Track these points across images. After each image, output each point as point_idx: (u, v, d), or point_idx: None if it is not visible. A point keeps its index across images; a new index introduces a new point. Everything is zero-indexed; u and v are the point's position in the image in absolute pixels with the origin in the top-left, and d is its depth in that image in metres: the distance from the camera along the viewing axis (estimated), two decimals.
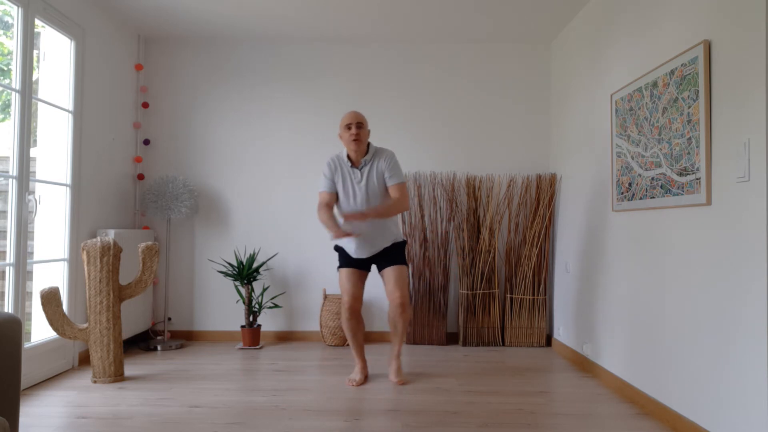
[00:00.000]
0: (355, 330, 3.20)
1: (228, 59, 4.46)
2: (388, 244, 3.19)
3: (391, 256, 3.19)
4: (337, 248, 3.28)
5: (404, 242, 3.28)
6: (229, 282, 4.40)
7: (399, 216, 4.20)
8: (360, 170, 3.10)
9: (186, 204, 4.06)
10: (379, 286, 4.29)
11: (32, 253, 3.48)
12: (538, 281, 4.18)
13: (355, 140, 3.04)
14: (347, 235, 2.91)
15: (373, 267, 3.32)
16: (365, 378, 3.22)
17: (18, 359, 1.72)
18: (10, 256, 2.95)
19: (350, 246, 3.16)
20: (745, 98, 2.04)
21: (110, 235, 3.68)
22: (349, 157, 3.12)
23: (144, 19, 4.03)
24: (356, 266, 3.19)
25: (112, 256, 3.16)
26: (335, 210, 3.21)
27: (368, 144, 3.15)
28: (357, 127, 3.05)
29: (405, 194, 3.10)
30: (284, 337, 4.40)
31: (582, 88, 3.71)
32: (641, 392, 2.77)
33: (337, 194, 3.17)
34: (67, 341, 3.43)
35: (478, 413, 2.66)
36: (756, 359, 1.97)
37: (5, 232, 3.01)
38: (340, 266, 3.24)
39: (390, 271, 3.15)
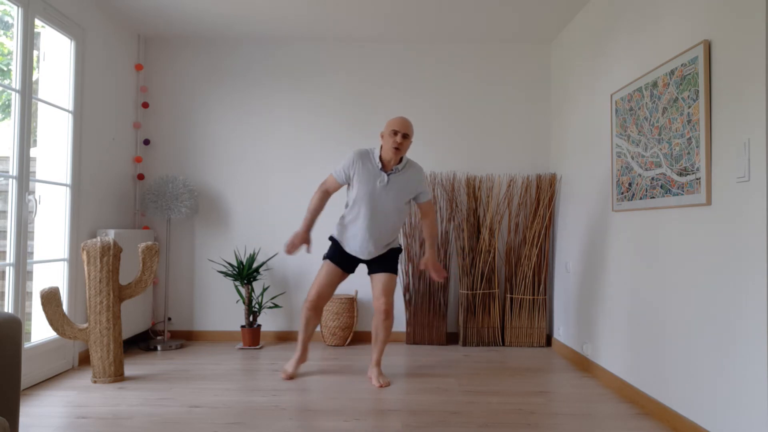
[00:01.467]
0: (310, 319, 3.24)
1: (228, 59, 4.47)
2: (387, 248, 3.21)
3: (385, 262, 3.20)
4: (332, 238, 3.28)
5: (400, 249, 3.31)
6: (229, 282, 4.40)
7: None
8: (389, 176, 3.08)
9: (186, 204, 4.06)
10: None
11: (32, 253, 3.48)
12: (538, 281, 4.18)
13: (396, 148, 3.02)
14: (305, 243, 3.09)
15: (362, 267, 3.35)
16: (296, 372, 3.29)
17: (18, 359, 1.72)
18: (10, 256, 2.95)
19: (352, 244, 3.15)
20: (745, 98, 2.04)
21: (110, 235, 3.68)
22: (381, 157, 3.10)
23: (144, 19, 4.03)
24: (343, 266, 3.20)
25: (112, 256, 3.16)
26: (348, 200, 3.18)
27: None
28: (403, 137, 3.03)
29: (434, 210, 3.30)
30: (284, 337, 4.40)
31: (582, 88, 3.71)
32: (641, 392, 2.77)
33: (348, 186, 3.19)
34: (67, 341, 3.43)
35: (478, 413, 2.67)
36: (756, 359, 1.97)
37: (5, 232, 3.01)
38: (328, 257, 3.22)
39: (381, 276, 3.17)
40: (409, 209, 3.23)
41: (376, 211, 3.08)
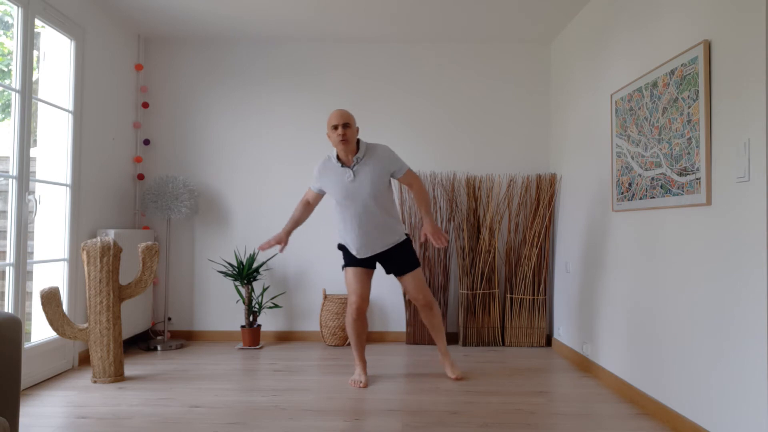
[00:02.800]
0: (360, 331, 3.20)
1: (228, 59, 4.47)
2: (391, 243, 3.15)
3: (403, 261, 3.17)
4: (341, 247, 3.26)
5: (409, 240, 3.23)
6: (229, 282, 4.40)
7: (400, 213, 4.21)
8: (352, 169, 3.05)
9: (186, 204, 4.06)
10: (378, 286, 4.28)
11: (32, 253, 3.48)
12: (538, 281, 4.18)
13: (342, 141, 2.99)
14: (279, 243, 3.12)
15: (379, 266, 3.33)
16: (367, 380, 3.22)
17: (18, 359, 1.72)
18: (10, 256, 2.95)
19: (352, 245, 3.15)
20: (745, 98, 2.04)
21: (110, 235, 3.68)
22: (338, 157, 3.09)
23: (144, 19, 4.03)
24: (362, 265, 3.17)
25: (112, 256, 3.16)
26: (337, 210, 3.18)
27: (358, 141, 3.09)
28: (344, 128, 2.99)
29: (417, 176, 3.21)
30: (284, 337, 4.40)
31: (582, 88, 3.71)
32: (641, 392, 2.77)
33: (324, 194, 3.24)
34: (67, 341, 3.43)
35: (478, 413, 2.67)
36: (756, 359, 1.97)
37: (5, 232, 3.02)
38: (346, 265, 3.21)
39: (409, 277, 3.17)
40: (391, 192, 3.17)
41: (358, 206, 3.05)
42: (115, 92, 4.04)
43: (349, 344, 4.24)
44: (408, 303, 4.24)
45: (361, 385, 3.11)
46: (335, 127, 3.02)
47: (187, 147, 4.44)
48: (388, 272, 3.23)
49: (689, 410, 2.38)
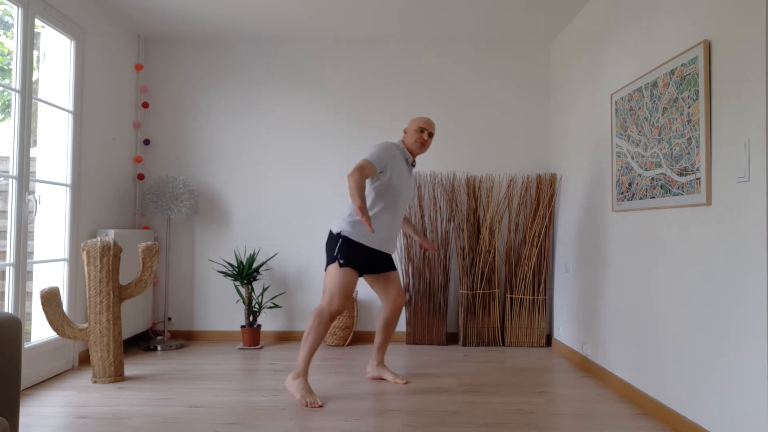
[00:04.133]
0: (324, 334, 2.95)
1: (228, 59, 4.47)
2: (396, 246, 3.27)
3: (391, 260, 3.23)
4: (351, 243, 2.94)
5: None
6: (229, 282, 4.40)
7: None
8: (412, 169, 3.22)
9: (186, 204, 4.06)
10: None
11: (32, 253, 3.48)
12: (538, 281, 4.18)
13: (422, 145, 3.13)
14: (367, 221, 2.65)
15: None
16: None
17: (18, 359, 1.72)
18: (10, 256, 2.95)
19: (378, 237, 2.96)
20: (745, 98, 2.05)
21: (110, 235, 3.68)
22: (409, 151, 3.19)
23: (144, 19, 4.03)
24: (368, 270, 3.07)
25: (112, 256, 3.16)
26: (384, 200, 3.00)
27: None
28: (429, 136, 3.16)
29: None
30: (284, 337, 4.40)
31: (582, 88, 3.71)
32: (641, 392, 2.77)
33: (385, 178, 2.98)
34: (67, 341, 3.43)
35: (478, 413, 2.67)
36: (756, 359, 1.97)
37: (5, 232, 3.02)
38: (349, 266, 2.92)
39: (394, 274, 3.21)
40: None
41: (405, 203, 3.15)
42: (115, 92, 4.04)
43: (349, 344, 4.24)
44: (407, 303, 4.24)
45: (319, 404, 2.75)
46: (422, 130, 3.14)
47: (187, 147, 4.44)
48: (381, 271, 3.14)
49: (689, 410, 2.38)
